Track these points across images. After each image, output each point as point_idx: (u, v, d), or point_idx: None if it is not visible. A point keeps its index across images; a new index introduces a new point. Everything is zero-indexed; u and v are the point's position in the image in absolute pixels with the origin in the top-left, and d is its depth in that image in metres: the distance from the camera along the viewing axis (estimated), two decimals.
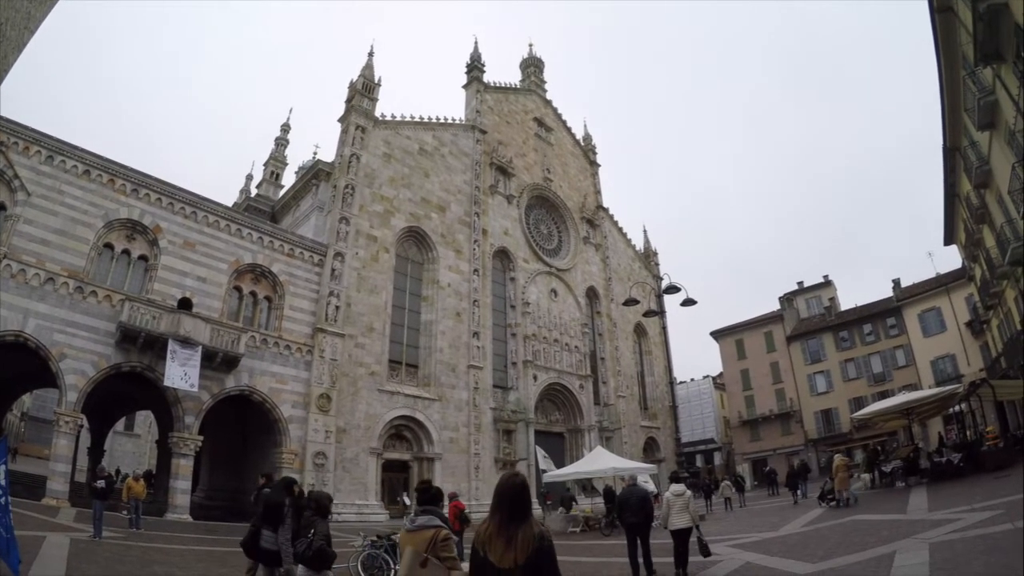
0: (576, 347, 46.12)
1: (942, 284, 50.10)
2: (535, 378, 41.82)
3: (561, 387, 43.95)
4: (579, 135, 58.94)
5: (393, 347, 34.91)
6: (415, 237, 38.36)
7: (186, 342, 24.51)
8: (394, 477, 32.93)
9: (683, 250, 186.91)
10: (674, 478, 13.21)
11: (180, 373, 24.15)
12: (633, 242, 60.29)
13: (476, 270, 40.69)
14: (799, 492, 29.38)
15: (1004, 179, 23.44)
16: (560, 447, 42.98)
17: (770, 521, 20.53)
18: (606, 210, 57.11)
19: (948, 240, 42.35)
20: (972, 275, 41.36)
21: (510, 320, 42.95)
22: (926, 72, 53.96)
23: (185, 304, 26.54)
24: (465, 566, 4.37)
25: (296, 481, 9.67)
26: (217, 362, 26.05)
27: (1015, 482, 16.20)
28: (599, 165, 59.07)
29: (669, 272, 39.84)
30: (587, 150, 58.87)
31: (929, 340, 49.76)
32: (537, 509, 31.23)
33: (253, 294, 30.00)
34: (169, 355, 24.01)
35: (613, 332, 52.30)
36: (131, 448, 58.91)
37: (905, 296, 53.26)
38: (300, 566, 7.03)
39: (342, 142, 35.64)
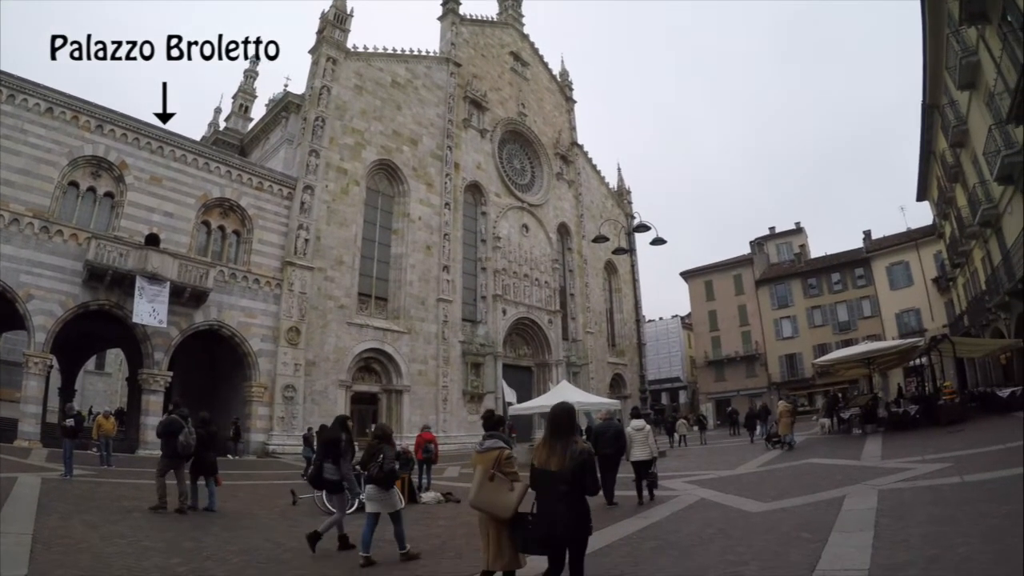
0: (546, 283, 46.60)
1: (912, 239, 50.98)
2: (504, 312, 42.37)
3: (530, 322, 44.60)
4: (556, 71, 57.68)
5: (363, 280, 35.16)
6: (386, 170, 38.11)
7: (154, 278, 24.59)
8: (363, 409, 33.55)
9: (657, 191, 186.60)
10: (635, 414, 14.06)
11: (148, 309, 24.29)
12: (607, 180, 60.06)
13: (447, 204, 40.64)
14: (756, 432, 30.45)
15: (980, 140, 23.64)
16: (528, 381, 44.02)
17: (728, 460, 20.90)
18: (580, 147, 56.60)
19: (921, 196, 42.85)
20: (942, 232, 41.92)
21: (480, 254, 43.18)
22: (910, 26, 53.37)
23: (152, 240, 26.47)
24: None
25: (349, 417, 10.53)
26: (185, 297, 26.22)
27: (967, 437, 16.55)
28: (575, 102, 58.14)
29: (642, 211, 39.37)
30: (563, 86, 57.77)
31: (896, 293, 50.97)
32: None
33: (221, 228, 29.95)
34: (137, 292, 24.10)
35: (583, 269, 52.79)
36: (102, 387, 58.69)
37: (875, 248, 54.11)
38: (369, 486, 8.00)
39: (312, 74, 34.92)
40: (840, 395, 38.76)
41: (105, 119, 26.31)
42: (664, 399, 73.25)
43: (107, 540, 8.69)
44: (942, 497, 9.14)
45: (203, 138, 44.81)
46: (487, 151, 45.66)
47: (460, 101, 44.05)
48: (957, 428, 19.76)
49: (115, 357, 55.77)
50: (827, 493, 10.71)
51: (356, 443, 11.01)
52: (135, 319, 24.34)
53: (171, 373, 26.67)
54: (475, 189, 44.14)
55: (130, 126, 27.04)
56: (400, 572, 7.39)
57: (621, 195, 60.84)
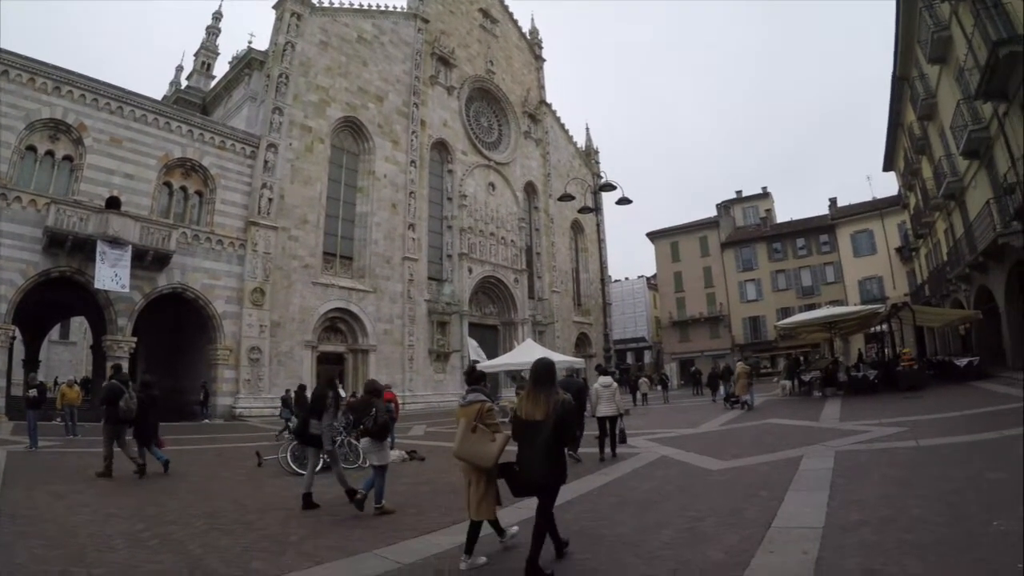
0: (512, 241, 46.63)
1: (877, 208, 51.97)
2: (470, 271, 42.46)
3: (496, 280, 44.71)
4: (526, 29, 56.71)
5: (328, 239, 34.95)
6: (351, 127, 37.58)
7: (115, 242, 24.11)
8: (330, 369, 33.36)
9: (628, 153, 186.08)
10: (601, 371, 14.31)
11: (111, 274, 23.89)
12: (575, 140, 59.85)
13: (413, 161, 40.25)
14: (718, 392, 30.94)
15: (948, 114, 24.06)
16: (494, 340, 44.25)
17: (690, 419, 21.02)
18: (549, 105, 56.13)
19: (887, 166, 43.44)
20: (907, 203, 42.75)
21: (447, 212, 43.03)
22: None
23: (113, 203, 25.87)
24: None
25: (336, 377, 10.66)
26: (148, 261, 25.81)
27: (924, 404, 16.89)
28: (544, 60, 57.31)
29: (612, 173, 39.15)
30: (533, 44, 56.87)
31: (859, 260, 52.17)
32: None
33: (184, 189, 29.39)
34: (98, 257, 23.66)
35: (550, 228, 52.90)
36: (68, 356, 57.81)
37: (840, 215, 54.97)
38: (364, 439, 8.52)
39: (276, 30, 34.03)
40: (802, 358, 39.46)
41: (63, 80, 25.45)
42: (629, 359, 74.20)
43: (72, 509, 8.66)
44: (897, 460, 9.34)
45: (164, 97, 43.76)
46: (454, 108, 45.16)
47: (427, 58, 43.33)
48: (915, 394, 20.10)
49: (79, 325, 54.89)
50: (786, 452, 10.90)
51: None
52: (97, 285, 23.94)
53: (135, 339, 26.32)
54: (442, 147, 43.74)
55: (88, 86, 26.18)
56: (363, 529, 7.44)
57: (589, 155, 60.77)
